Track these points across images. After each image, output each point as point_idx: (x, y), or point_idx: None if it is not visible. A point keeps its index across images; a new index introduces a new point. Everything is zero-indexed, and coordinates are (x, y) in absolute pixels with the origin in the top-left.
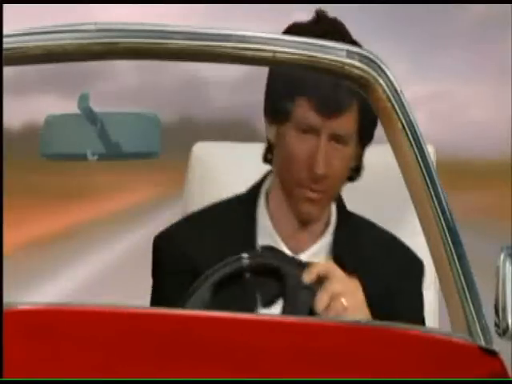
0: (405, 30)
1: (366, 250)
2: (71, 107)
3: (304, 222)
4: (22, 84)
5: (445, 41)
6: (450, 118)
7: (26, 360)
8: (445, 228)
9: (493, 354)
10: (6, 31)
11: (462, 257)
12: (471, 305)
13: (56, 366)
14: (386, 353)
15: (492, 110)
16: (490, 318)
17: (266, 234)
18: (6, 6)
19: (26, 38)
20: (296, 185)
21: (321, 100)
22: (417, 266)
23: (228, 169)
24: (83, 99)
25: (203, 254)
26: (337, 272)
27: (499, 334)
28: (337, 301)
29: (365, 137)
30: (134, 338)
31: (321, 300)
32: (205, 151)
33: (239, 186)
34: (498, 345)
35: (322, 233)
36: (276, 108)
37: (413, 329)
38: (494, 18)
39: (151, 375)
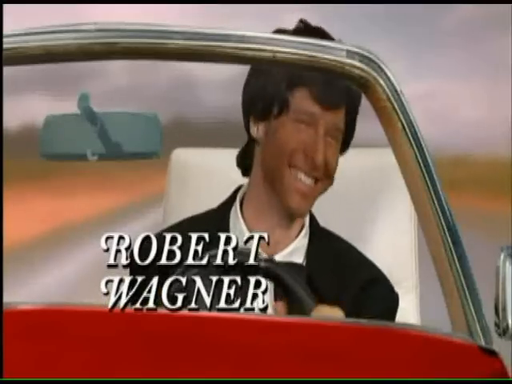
0: (399, 29)
1: (337, 260)
2: (63, 106)
3: (288, 220)
4: (11, 83)
5: (440, 40)
6: (444, 117)
7: (26, 360)
8: (445, 228)
9: (493, 354)
10: (5, 31)
11: (462, 257)
12: (471, 305)
13: (56, 366)
14: (386, 353)
15: (486, 109)
16: (490, 317)
17: (239, 234)
18: (5, 6)
19: (26, 37)
20: (289, 176)
21: (320, 90)
22: (392, 294)
23: (207, 175)
24: (83, 99)
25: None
26: None
27: (499, 334)
28: None
29: (345, 142)
30: (134, 338)
31: None
32: (184, 157)
33: (218, 192)
34: (498, 345)
35: (297, 235)
36: (269, 101)
37: (413, 329)
38: (488, 17)
39: (151, 375)
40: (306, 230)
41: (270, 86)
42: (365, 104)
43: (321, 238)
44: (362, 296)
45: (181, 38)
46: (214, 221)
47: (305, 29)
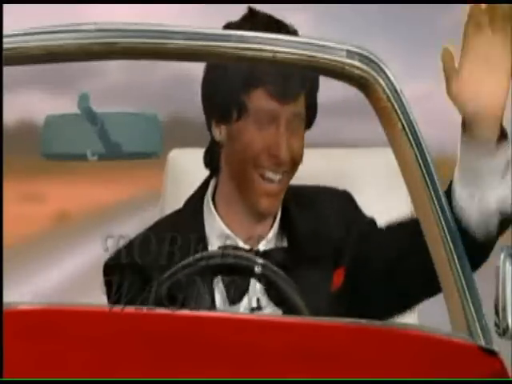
0: (396, 30)
1: (309, 210)
2: (59, 105)
3: (261, 217)
4: (10, 80)
5: (436, 40)
6: (441, 119)
7: (26, 360)
8: (445, 228)
9: (493, 354)
10: (5, 31)
11: (462, 257)
12: (471, 305)
13: (56, 366)
14: (386, 353)
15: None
16: (490, 317)
17: (220, 234)
18: (5, 6)
19: (26, 38)
20: (256, 179)
21: (276, 86)
22: (348, 197)
23: (204, 175)
24: (83, 99)
25: (156, 267)
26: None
27: (499, 334)
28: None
29: (309, 120)
30: (134, 338)
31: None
32: (181, 158)
33: None
34: (498, 345)
35: (274, 220)
36: (228, 106)
37: (413, 329)
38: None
39: (151, 375)
40: (279, 215)
41: (226, 91)
42: (365, 104)
43: (293, 205)
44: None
45: (181, 38)
46: (188, 221)
47: (251, 16)
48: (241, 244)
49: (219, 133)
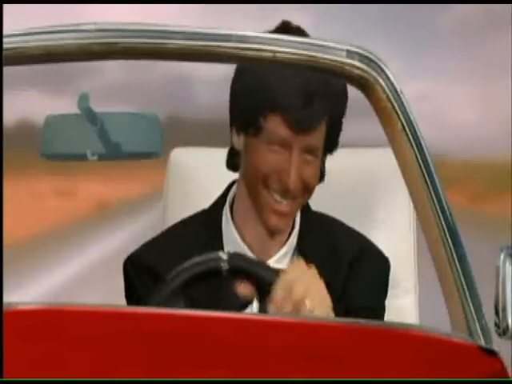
0: (394, 30)
1: (331, 244)
2: (59, 105)
3: (271, 233)
4: (7, 81)
5: (434, 41)
6: (438, 119)
7: (26, 360)
8: (445, 228)
9: (493, 354)
10: (5, 31)
11: (462, 257)
12: (471, 305)
13: (56, 366)
14: (386, 353)
15: (479, 110)
16: (490, 317)
17: (233, 242)
18: (5, 6)
19: (26, 38)
20: (265, 197)
21: (293, 117)
22: (382, 262)
23: (206, 175)
24: (83, 99)
25: (172, 270)
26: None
27: (499, 334)
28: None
29: (331, 146)
30: (134, 338)
31: (275, 294)
32: (183, 157)
33: (217, 192)
34: (498, 345)
35: (288, 237)
36: (246, 121)
37: (413, 329)
38: (480, 18)
39: (151, 375)
40: (296, 228)
41: (248, 105)
42: (365, 104)
43: (312, 223)
44: (353, 267)
45: (181, 38)
46: (207, 226)
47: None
48: (249, 253)
49: (238, 141)
